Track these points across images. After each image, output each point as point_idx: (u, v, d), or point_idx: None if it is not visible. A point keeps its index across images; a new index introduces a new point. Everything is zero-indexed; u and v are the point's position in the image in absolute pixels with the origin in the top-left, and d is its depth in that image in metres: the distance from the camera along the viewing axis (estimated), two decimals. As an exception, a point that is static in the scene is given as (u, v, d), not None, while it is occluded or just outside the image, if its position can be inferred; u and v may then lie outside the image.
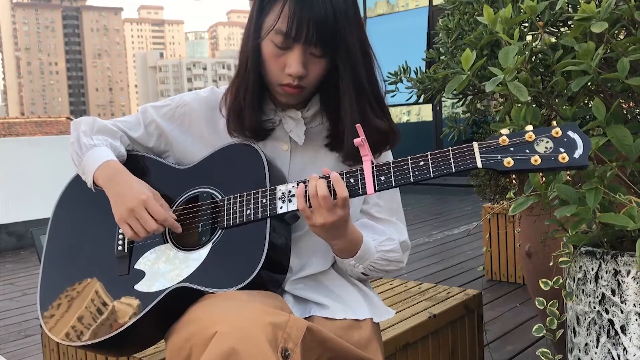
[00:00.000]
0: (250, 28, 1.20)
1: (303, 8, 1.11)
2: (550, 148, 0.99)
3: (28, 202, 5.83)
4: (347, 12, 1.15)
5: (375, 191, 1.08)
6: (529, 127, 1.02)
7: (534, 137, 1.00)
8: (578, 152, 0.98)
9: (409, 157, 1.08)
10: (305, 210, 1.10)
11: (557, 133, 0.99)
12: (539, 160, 0.98)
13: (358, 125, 1.11)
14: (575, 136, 0.99)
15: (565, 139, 0.99)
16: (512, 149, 1.01)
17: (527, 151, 1.00)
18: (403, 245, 1.31)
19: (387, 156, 1.33)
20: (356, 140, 1.11)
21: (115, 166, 1.26)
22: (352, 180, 1.10)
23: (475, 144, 1.03)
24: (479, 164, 1.01)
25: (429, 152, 1.07)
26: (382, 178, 1.08)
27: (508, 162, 1.00)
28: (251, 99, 1.22)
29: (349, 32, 1.15)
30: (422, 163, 1.06)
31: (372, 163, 1.10)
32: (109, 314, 1.19)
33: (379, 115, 1.22)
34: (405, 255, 1.33)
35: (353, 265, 1.23)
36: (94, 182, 1.27)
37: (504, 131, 1.03)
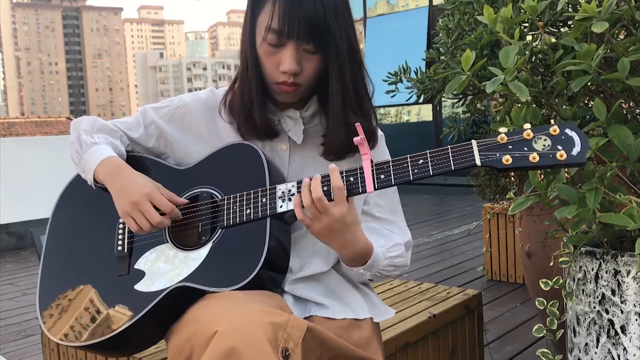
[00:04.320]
0: (246, 28, 1.21)
1: (293, 5, 1.12)
2: (548, 146, 0.99)
3: (28, 202, 5.83)
4: (335, 8, 1.15)
5: (375, 189, 1.09)
6: (527, 125, 1.03)
7: (532, 135, 1.01)
8: (576, 150, 0.98)
9: (408, 155, 1.08)
10: (305, 220, 1.11)
11: (555, 131, 1.00)
12: (537, 158, 0.99)
13: (358, 124, 1.12)
14: (573, 134, 1.00)
15: (563, 137, 1.00)
16: (510, 146, 1.01)
17: (526, 149, 1.00)
18: (407, 245, 1.33)
19: (384, 156, 1.34)
20: (356, 139, 1.11)
21: (117, 162, 1.26)
22: (351, 179, 1.11)
23: (474, 142, 1.03)
24: (478, 162, 1.02)
25: (428, 151, 1.07)
26: (382, 176, 1.09)
27: (506, 159, 1.00)
28: (258, 98, 1.22)
29: (337, 28, 1.15)
30: (421, 161, 1.06)
31: (372, 161, 1.10)
32: (108, 314, 1.19)
33: (359, 115, 1.23)
34: (409, 254, 1.34)
35: (361, 274, 1.23)
36: (94, 179, 1.27)
37: (503, 129, 1.03)
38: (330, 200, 1.09)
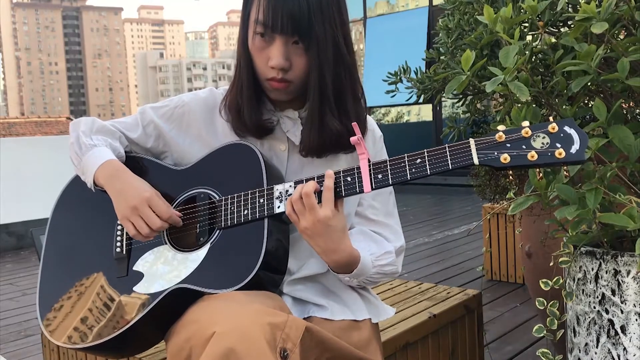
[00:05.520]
0: (240, 26, 1.22)
1: None
2: (547, 144, 0.99)
3: (28, 202, 5.82)
4: (321, 6, 1.14)
5: (372, 189, 1.08)
6: (526, 123, 1.02)
7: (530, 133, 1.00)
8: (575, 147, 0.97)
9: (405, 154, 1.07)
10: (292, 215, 1.11)
11: (553, 129, 0.99)
12: (536, 156, 0.98)
13: (354, 124, 1.11)
14: (572, 131, 0.99)
15: (561, 135, 0.99)
16: (508, 145, 1.00)
17: (524, 147, 1.00)
18: (398, 250, 1.31)
19: (383, 156, 1.33)
20: (352, 139, 1.11)
21: (116, 165, 1.26)
22: (349, 179, 1.10)
23: (471, 141, 1.03)
24: (476, 161, 1.01)
25: (425, 150, 1.07)
26: (379, 176, 1.08)
27: (504, 158, 0.99)
28: (248, 95, 1.22)
29: (320, 26, 1.14)
30: (418, 160, 1.06)
31: (369, 161, 1.10)
32: (108, 318, 1.19)
33: (338, 118, 1.21)
34: (400, 259, 1.32)
35: (347, 281, 1.23)
36: (94, 182, 1.27)
37: (501, 128, 1.02)
38: (319, 202, 1.09)
